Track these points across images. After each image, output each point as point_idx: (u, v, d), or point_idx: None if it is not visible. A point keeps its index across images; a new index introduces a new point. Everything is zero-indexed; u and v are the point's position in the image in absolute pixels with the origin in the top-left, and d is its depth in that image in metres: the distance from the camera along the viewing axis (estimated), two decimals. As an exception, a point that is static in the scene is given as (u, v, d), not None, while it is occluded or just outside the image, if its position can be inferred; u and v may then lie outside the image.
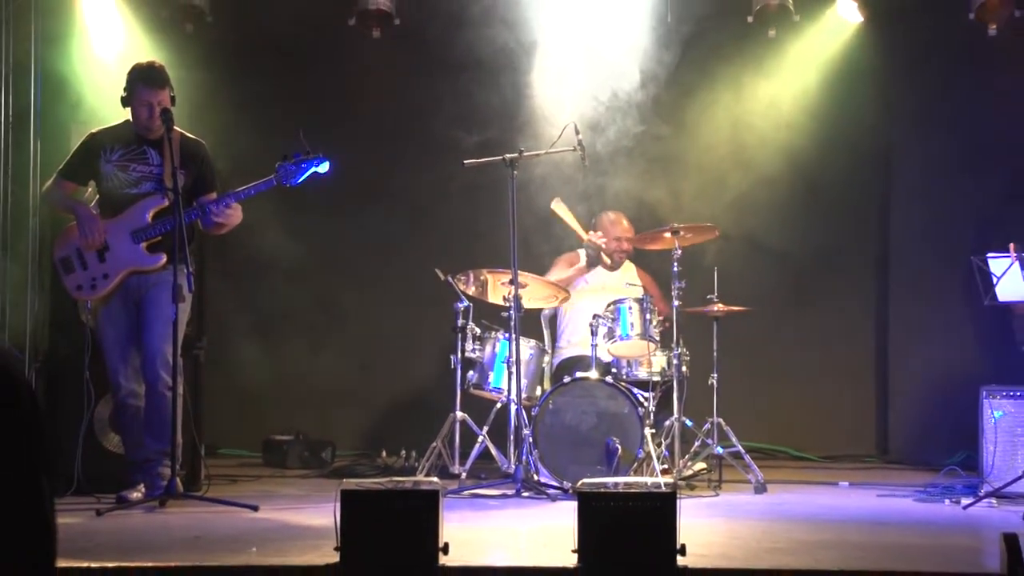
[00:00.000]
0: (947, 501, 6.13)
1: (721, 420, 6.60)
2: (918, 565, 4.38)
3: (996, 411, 6.29)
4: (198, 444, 6.33)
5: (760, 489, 6.49)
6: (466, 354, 6.69)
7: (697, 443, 6.61)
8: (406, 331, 8.27)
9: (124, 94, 5.92)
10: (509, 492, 6.12)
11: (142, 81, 5.87)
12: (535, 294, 6.83)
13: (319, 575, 4.04)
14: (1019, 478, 5.99)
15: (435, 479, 4.45)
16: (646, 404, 6.48)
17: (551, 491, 6.08)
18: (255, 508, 5.55)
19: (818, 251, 8.35)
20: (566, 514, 4.21)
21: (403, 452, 7.28)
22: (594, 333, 6.62)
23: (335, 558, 3.97)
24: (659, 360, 6.66)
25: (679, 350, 6.55)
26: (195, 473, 6.28)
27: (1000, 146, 7.99)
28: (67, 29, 7.07)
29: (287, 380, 8.18)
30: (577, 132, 6.51)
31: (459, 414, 6.62)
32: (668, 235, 6.68)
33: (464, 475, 6.45)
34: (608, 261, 7.38)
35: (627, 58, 7.50)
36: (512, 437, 6.44)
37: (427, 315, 7.78)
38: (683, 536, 3.95)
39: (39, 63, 6.68)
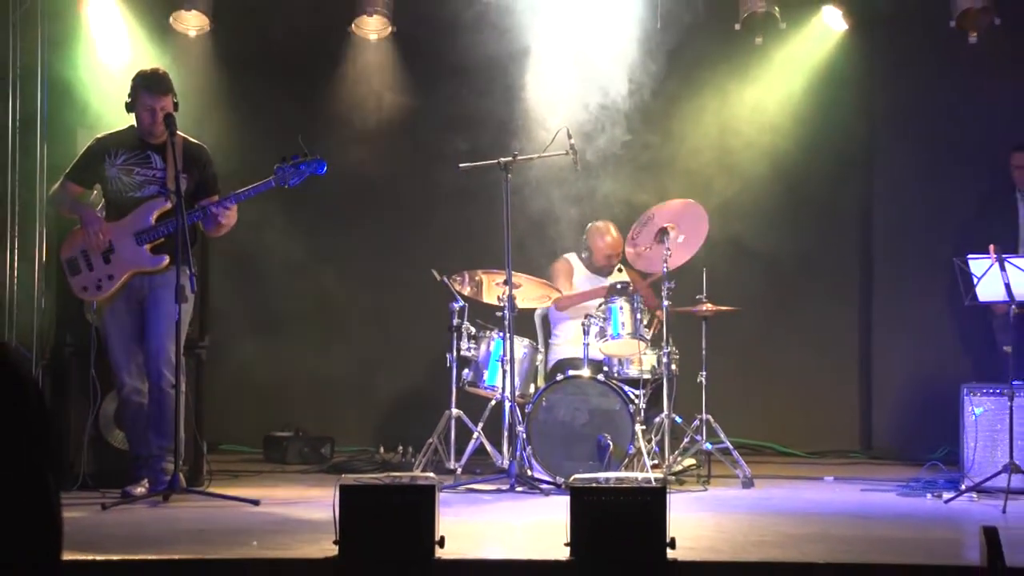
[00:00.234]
0: (929, 495, 6.17)
1: (710, 417, 6.66)
2: (901, 557, 4.45)
3: (976, 408, 6.36)
4: (200, 440, 6.35)
5: (748, 484, 6.54)
6: (461, 353, 6.74)
7: (686, 439, 6.67)
8: (403, 330, 8.28)
9: (128, 100, 5.93)
10: (503, 487, 6.15)
11: (146, 87, 5.89)
12: (529, 294, 6.84)
13: (319, 568, 4.04)
14: (998, 473, 6.02)
15: (431, 474, 4.49)
16: (637, 401, 6.52)
17: (544, 486, 6.12)
18: (256, 503, 5.61)
19: (803, 253, 8.38)
20: (559, 508, 4.25)
21: (400, 448, 7.33)
22: (586, 332, 6.65)
23: (334, 551, 3.99)
24: (649, 359, 6.69)
25: (669, 349, 6.59)
26: (198, 468, 6.31)
27: (980, 150, 8.04)
28: (73, 35, 7.09)
29: (287, 378, 8.21)
30: (570, 136, 6.52)
31: (455, 411, 6.67)
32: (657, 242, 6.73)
33: (460, 471, 6.51)
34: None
35: (615, 64, 7.51)
36: (506, 434, 6.52)
37: (424, 315, 7.80)
38: (673, 530, 3.98)
39: (46, 68, 6.66)
